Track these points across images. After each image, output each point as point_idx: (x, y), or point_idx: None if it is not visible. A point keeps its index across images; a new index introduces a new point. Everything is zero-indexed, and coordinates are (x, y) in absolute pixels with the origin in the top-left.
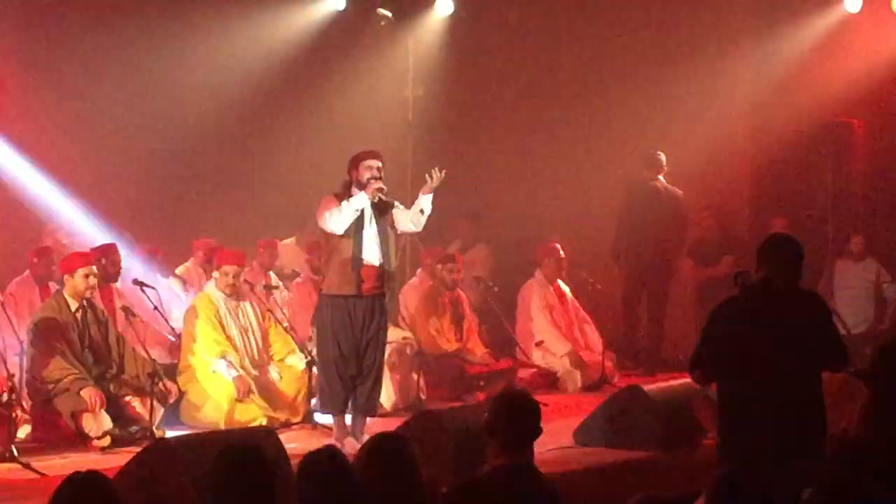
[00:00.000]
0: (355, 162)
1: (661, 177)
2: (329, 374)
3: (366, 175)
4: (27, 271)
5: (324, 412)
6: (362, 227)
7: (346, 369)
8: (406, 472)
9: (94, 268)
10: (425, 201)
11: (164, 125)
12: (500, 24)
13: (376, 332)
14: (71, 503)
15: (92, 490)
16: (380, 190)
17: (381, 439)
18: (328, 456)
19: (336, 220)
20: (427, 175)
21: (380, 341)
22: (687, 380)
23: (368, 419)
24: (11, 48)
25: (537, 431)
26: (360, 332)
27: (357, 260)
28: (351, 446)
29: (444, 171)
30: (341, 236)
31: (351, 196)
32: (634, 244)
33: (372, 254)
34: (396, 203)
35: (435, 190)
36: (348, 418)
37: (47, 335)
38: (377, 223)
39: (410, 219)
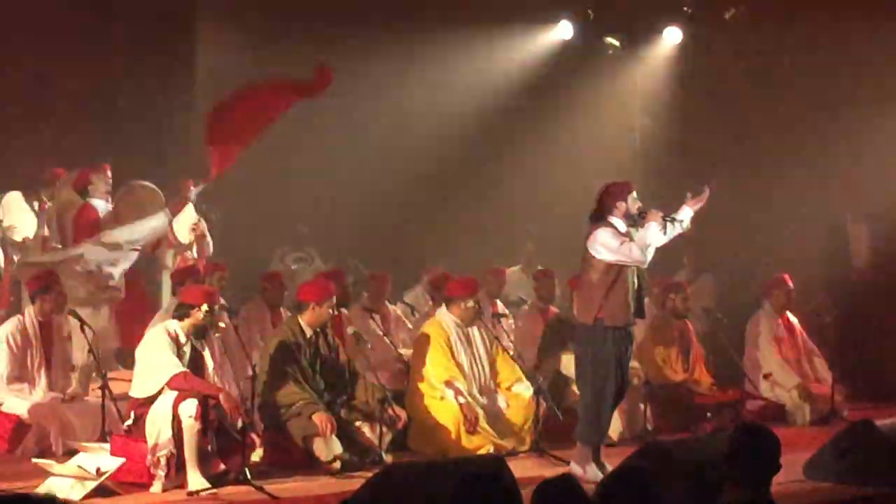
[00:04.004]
0: (622, 193)
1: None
2: (604, 405)
3: (635, 206)
4: (257, 296)
5: (587, 443)
6: None
7: (618, 399)
8: None
9: (334, 298)
10: (687, 214)
11: (391, 153)
12: (729, 53)
13: (630, 358)
14: None
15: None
16: (665, 218)
17: (626, 472)
18: (565, 484)
19: (641, 251)
20: (701, 191)
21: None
22: None
23: None
24: (245, 76)
25: (777, 467)
26: (627, 361)
27: (637, 289)
28: (593, 474)
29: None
30: (623, 267)
31: (613, 226)
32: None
33: (636, 281)
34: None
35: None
36: None
37: (281, 360)
38: None
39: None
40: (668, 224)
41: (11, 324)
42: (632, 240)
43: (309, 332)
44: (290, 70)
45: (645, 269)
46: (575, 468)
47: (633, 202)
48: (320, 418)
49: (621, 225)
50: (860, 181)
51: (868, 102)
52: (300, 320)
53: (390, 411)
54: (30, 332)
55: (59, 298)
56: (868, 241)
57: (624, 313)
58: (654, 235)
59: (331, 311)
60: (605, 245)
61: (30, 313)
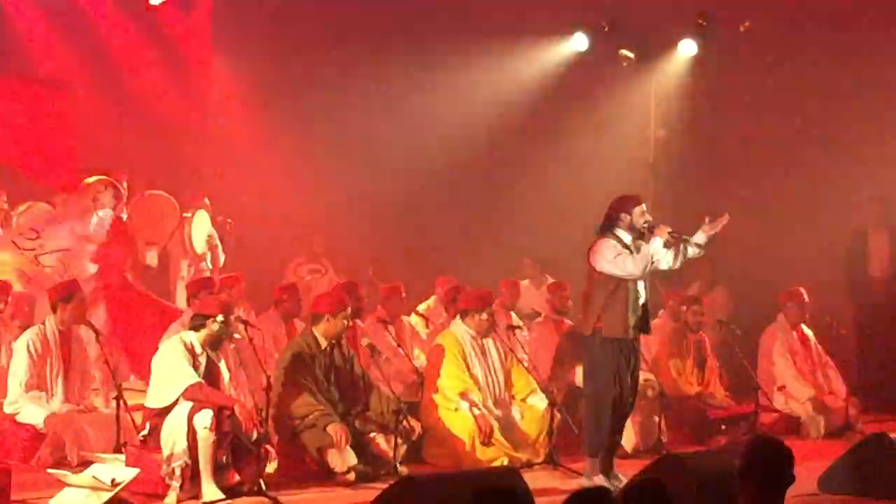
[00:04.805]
0: (627, 206)
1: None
2: (603, 416)
3: (641, 220)
4: (272, 307)
5: (589, 454)
6: None
7: (619, 411)
8: None
9: (349, 309)
10: (701, 238)
11: (407, 165)
12: (744, 65)
13: (635, 370)
14: None
15: None
16: (672, 234)
17: (644, 484)
18: (599, 496)
19: (635, 264)
20: (718, 219)
21: (637, 380)
22: None
23: None
24: (260, 87)
25: (791, 479)
26: (630, 373)
27: (637, 303)
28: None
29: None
30: (623, 280)
31: (618, 237)
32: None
33: (643, 295)
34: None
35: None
36: None
37: (296, 371)
38: None
39: (670, 257)
40: (682, 247)
41: (33, 331)
42: (638, 252)
43: (324, 344)
44: (303, 82)
45: (649, 282)
46: (584, 480)
47: (638, 215)
48: (335, 429)
49: (626, 237)
50: (880, 191)
51: (886, 112)
52: (315, 331)
53: (405, 423)
54: (50, 341)
55: (79, 308)
56: (888, 251)
57: (622, 325)
58: (658, 250)
59: (345, 322)
60: (601, 256)
61: (51, 322)
